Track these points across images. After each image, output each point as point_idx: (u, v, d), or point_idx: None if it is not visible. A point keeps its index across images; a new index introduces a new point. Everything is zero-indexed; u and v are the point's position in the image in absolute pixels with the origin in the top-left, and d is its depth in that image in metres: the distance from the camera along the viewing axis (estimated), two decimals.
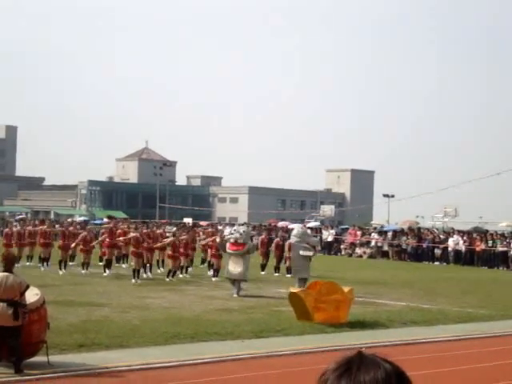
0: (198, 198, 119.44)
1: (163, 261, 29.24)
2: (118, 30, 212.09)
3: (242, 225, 31.40)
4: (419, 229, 55.09)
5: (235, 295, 21.95)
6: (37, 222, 36.99)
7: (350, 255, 51.02)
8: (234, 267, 22.37)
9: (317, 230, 54.82)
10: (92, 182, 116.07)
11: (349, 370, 1.76)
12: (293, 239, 24.38)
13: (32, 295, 11.76)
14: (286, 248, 30.40)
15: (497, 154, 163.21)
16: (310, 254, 23.30)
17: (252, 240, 35.45)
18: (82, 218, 78.28)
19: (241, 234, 22.75)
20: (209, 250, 29.43)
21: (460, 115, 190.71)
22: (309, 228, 56.74)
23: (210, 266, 28.65)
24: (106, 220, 68.61)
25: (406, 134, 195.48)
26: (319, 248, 43.64)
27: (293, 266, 24.18)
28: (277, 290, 23.39)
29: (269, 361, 12.75)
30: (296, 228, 25.30)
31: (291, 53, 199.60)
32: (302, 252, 22.99)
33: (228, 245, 22.72)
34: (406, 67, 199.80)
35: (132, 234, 27.26)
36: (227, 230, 24.09)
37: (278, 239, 32.83)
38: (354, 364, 1.77)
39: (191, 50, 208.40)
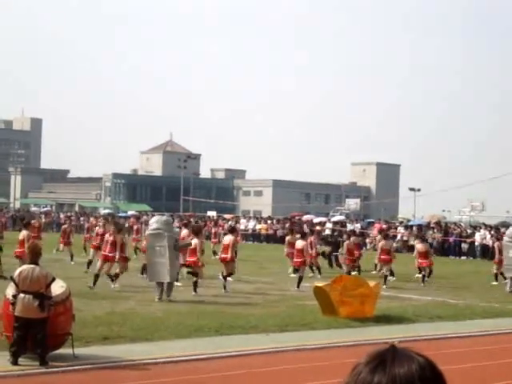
0: (222, 191, 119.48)
1: None
2: (143, 23, 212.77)
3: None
4: (446, 223, 54.63)
5: (157, 299, 18.83)
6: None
7: (375, 249, 50.71)
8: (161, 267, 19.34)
9: (341, 224, 54.60)
10: (116, 175, 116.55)
11: (383, 363, 1.75)
12: (505, 239, 25.29)
13: (58, 287, 11.77)
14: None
15: None
16: None
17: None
18: (107, 211, 78.76)
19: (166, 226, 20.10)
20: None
21: (487, 109, 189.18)
22: (333, 222, 56.81)
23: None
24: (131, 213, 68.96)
25: (432, 128, 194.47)
26: None
27: (505, 265, 24.62)
28: (301, 284, 23.27)
29: (295, 355, 12.67)
30: (510, 228, 26.14)
31: (319, 44, 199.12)
32: None
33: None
34: (432, 61, 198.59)
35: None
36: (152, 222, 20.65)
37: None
38: (388, 357, 1.76)
39: (215, 42, 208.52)
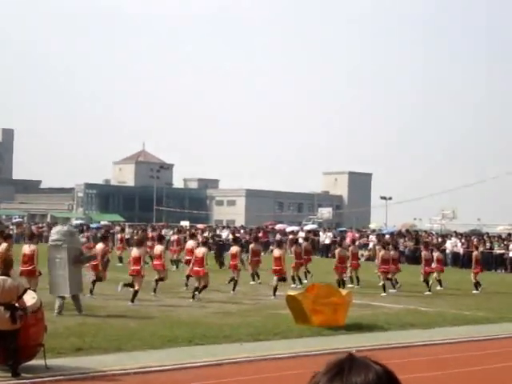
0: (196, 201, 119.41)
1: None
2: (116, 31, 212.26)
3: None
4: (417, 231, 55.00)
5: (56, 313, 17.31)
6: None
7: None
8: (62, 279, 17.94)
9: (314, 233, 54.81)
10: (89, 185, 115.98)
11: (340, 372, 1.79)
12: None
13: (29, 298, 11.73)
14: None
15: (495, 157, 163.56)
16: None
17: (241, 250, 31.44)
18: (79, 222, 78.30)
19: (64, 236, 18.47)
20: None
21: (459, 118, 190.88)
22: (306, 230, 56.99)
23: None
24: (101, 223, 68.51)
25: (403, 137, 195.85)
26: None
27: None
28: (276, 293, 23.30)
29: (267, 364, 12.72)
30: None
31: (291, 55, 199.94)
32: None
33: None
34: (403, 68, 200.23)
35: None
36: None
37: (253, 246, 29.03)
38: (345, 366, 1.80)
39: (189, 52, 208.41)
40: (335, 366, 1.82)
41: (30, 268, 19.34)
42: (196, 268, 22.42)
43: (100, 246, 22.58)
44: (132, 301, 20.19)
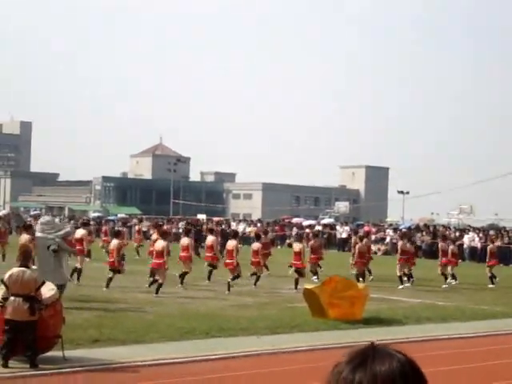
0: (212, 194, 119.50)
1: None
2: (133, 26, 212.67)
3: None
4: (434, 226, 54.77)
5: None
6: None
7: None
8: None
9: (331, 227, 54.73)
10: (106, 178, 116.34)
11: (363, 361, 1.78)
12: None
13: (48, 290, 11.78)
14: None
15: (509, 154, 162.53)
16: None
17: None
18: (96, 214, 78.63)
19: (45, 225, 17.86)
20: None
21: (475, 114, 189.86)
22: (323, 224, 56.89)
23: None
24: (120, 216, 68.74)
25: (420, 131, 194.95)
26: None
27: None
28: (291, 286, 23.33)
29: (283, 357, 12.72)
30: None
31: (307, 51, 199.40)
32: None
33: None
34: (420, 65, 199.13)
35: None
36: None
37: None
38: (369, 355, 1.79)
39: (205, 46, 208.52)
40: (358, 355, 1.81)
41: None
42: (227, 261, 23.26)
43: (114, 241, 22.64)
44: (156, 292, 20.35)
